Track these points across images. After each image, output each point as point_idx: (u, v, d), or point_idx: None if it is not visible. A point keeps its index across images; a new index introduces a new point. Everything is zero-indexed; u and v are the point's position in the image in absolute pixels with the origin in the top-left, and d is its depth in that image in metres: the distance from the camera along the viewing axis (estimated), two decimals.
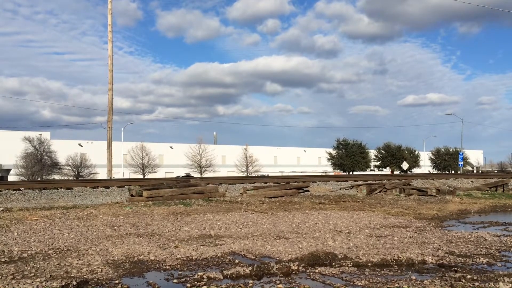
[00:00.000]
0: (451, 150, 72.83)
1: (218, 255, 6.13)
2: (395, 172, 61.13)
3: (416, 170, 68.65)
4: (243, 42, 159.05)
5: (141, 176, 55.82)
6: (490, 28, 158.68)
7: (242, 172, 64.39)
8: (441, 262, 5.74)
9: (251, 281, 4.87)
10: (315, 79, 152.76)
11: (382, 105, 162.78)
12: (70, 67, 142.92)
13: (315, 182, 18.71)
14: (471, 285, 4.65)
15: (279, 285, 4.72)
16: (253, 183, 17.80)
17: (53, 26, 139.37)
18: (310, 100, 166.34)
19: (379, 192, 16.79)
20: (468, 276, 4.97)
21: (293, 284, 4.78)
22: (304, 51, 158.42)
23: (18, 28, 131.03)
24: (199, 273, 5.09)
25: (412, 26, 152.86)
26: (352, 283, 4.81)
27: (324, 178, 21.91)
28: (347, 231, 8.18)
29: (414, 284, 4.73)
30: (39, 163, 47.17)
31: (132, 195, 13.40)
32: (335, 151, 66.98)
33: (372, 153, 68.90)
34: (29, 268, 5.22)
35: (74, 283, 4.65)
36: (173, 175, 55.76)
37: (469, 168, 74.83)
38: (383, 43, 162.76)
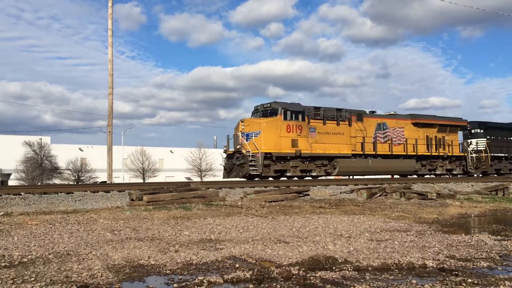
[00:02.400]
0: None
1: (219, 259, 6.13)
2: (395, 176, 60.98)
3: None
4: (246, 46, 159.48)
5: (141, 181, 55.79)
6: (491, 32, 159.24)
7: None
8: (441, 266, 5.74)
9: (251, 285, 4.87)
10: (317, 83, 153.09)
11: (384, 109, 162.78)
12: (72, 71, 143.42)
13: (315, 186, 18.67)
14: None
15: None
16: (253, 187, 17.77)
17: (56, 31, 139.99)
18: (312, 104, 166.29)
19: (380, 196, 16.77)
20: (469, 280, 4.97)
21: None
22: (307, 55, 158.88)
23: (21, 33, 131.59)
24: (199, 277, 5.08)
25: (415, 30, 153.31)
26: (352, 287, 4.80)
27: (324, 182, 21.87)
28: (347, 235, 8.17)
29: None
30: (39, 168, 47.20)
31: (132, 200, 13.39)
32: None
33: None
34: (29, 273, 5.22)
35: (75, 287, 4.65)
36: (174, 180, 55.73)
37: None
38: (386, 47, 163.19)
